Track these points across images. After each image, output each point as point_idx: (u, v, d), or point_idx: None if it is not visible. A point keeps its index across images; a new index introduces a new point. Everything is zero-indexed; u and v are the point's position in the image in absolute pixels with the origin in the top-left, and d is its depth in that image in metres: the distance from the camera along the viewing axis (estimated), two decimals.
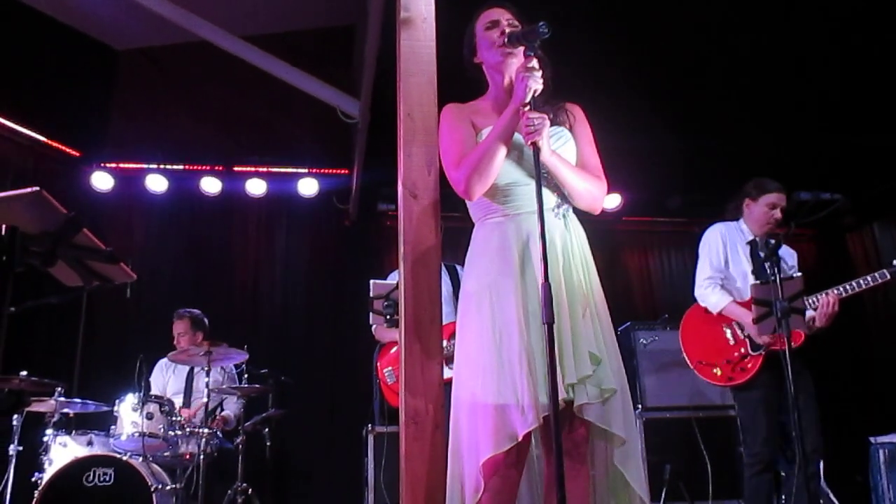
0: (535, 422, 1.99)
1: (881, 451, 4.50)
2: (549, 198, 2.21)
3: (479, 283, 2.20)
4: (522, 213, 2.21)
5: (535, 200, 2.01)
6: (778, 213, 3.69)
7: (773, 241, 3.29)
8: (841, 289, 3.57)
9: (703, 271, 3.85)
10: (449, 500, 2.13)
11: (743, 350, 3.66)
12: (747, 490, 3.39)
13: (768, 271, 3.18)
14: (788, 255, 3.91)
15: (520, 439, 2.01)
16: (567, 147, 2.31)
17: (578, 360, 2.05)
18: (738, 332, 3.72)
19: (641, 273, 7.49)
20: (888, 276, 3.52)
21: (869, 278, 3.56)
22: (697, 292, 3.86)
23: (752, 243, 3.63)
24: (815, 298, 3.58)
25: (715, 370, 3.70)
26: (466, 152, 2.24)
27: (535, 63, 2.14)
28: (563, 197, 2.26)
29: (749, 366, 3.57)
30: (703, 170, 6.48)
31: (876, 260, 7.12)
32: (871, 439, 4.62)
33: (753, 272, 3.64)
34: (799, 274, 3.59)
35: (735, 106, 5.73)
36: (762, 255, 3.66)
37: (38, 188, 1.34)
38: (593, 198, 2.29)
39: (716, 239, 3.87)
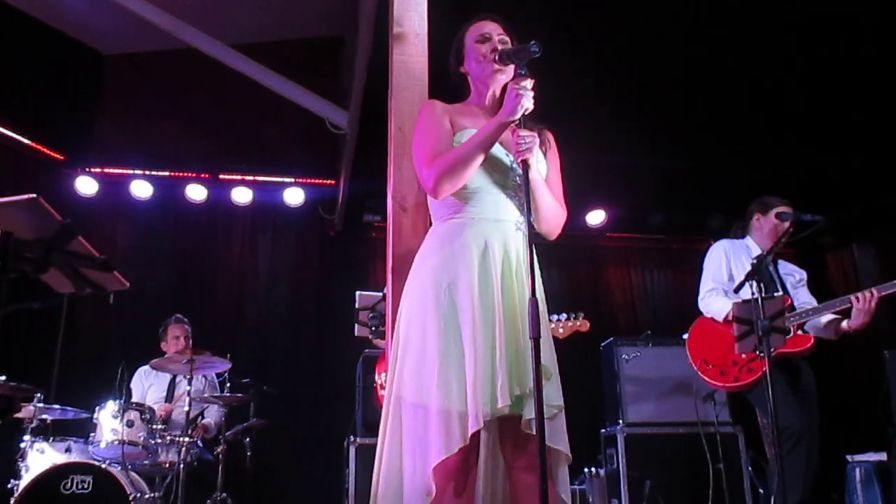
0: (476, 425, 1.98)
1: (858, 470, 4.55)
2: (514, 212, 2.25)
3: (434, 280, 2.17)
4: (486, 219, 2.22)
5: (500, 210, 2.21)
6: (787, 225, 3.74)
7: (755, 260, 3.34)
8: (877, 289, 3.57)
9: (706, 283, 3.94)
10: (382, 497, 2.08)
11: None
12: (787, 469, 3.31)
13: (754, 288, 3.22)
14: (796, 270, 3.99)
15: (467, 442, 2.00)
16: (541, 167, 2.32)
17: (526, 372, 2.04)
18: None
19: (624, 289, 7.53)
20: None
21: None
22: (701, 304, 3.93)
23: (758, 258, 3.66)
24: (845, 300, 3.60)
25: (721, 371, 3.73)
26: (441, 150, 2.24)
27: (528, 82, 2.14)
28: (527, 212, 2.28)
29: (756, 366, 3.60)
30: (686, 188, 6.56)
31: (854, 279, 7.23)
32: (848, 457, 4.67)
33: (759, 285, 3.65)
34: (780, 293, 3.64)
35: (718, 126, 5.81)
36: (770, 269, 3.73)
37: (34, 195, 1.33)
38: (557, 224, 2.34)
39: (719, 254, 3.96)
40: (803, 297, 3.87)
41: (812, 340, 3.64)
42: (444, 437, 2.00)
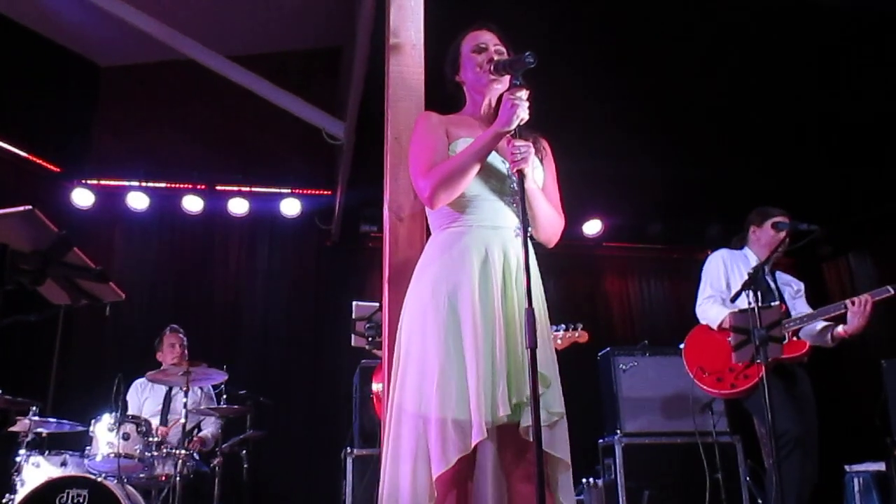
0: (479, 435, 1.97)
1: (856, 480, 4.55)
2: (512, 218, 2.25)
3: (435, 289, 2.17)
4: (484, 226, 2.23)
5: (498, 217, 2.22)
6: (784, 235, 3.74)
7: (752, 270, 3.35)
8: (871, 294, 3.58)
9: (704, 291, 3.95)
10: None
11: None
12: (784, 475, 3.30)
13: (750, 298, 3.22)
14: (793, 281, 4.00)
15: (468, 451, 1.99)
16: (538, 175, 2.33)
17: (524, 380, 2.02)
18: None
19: (621, 298, 7.53)
20: (891, 292, 3.55)
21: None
22: (698, 311, 3.94)
23: (755, 267, 3.66)
24: (839, 306, 3.60)
25: (717, 378, 3.73)
26: (437, 161, 2.24)
27: (523, 93, 2.14)
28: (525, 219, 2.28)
29: (752, 373, 3.59)
30: (684, 198, 6.58)
31: (851, 289, 7.23)
32: (847, 467, 4.66)
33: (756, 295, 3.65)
34: (777, 303, 3.64)
35: (715, 136, 5.83)
36: (768, 279, 3.73)
37: (30, 207, 1.33)
38: (555, 232, 2.35)
39: (718, 262, 3.97)
40: (801, 308, 3.87)
41: (807, 346, 3.65)
42: (443, 448, 1.99)
